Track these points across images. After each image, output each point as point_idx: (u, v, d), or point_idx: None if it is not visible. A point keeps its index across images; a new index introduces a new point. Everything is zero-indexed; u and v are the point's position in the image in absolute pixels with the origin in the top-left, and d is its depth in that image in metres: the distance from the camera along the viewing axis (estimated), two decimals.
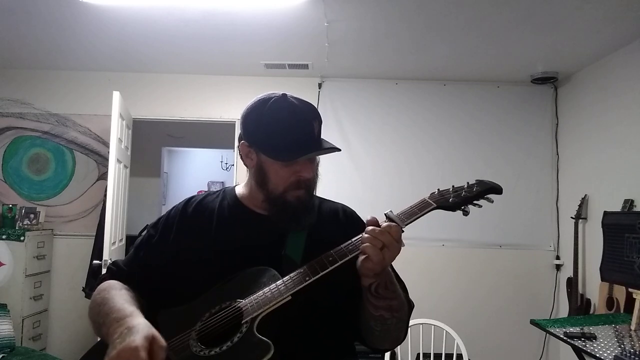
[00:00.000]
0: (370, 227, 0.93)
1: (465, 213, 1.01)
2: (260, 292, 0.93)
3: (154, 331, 0.84)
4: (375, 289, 0.95)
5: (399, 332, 1.07)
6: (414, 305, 1.10)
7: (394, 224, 0.94)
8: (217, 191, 1.20)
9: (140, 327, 0.84)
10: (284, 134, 1.02)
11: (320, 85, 3.93)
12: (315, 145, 1.04)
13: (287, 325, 0.92)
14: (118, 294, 1.00)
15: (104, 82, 3.90)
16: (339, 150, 1.04)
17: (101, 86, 3.87)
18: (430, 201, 1.01)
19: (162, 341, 0.82)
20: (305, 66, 3.66)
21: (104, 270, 2.33)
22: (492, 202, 1.03)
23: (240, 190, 1.16)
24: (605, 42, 3.01)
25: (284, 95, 1.05)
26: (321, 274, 0.92)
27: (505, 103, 3.93)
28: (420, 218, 0.99)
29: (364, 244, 0.92)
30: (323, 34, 2.97)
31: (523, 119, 3.91)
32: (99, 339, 1.04)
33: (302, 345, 0.97)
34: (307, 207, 1.08)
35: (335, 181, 3.72)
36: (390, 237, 0.91)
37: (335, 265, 0.93)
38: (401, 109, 3.94)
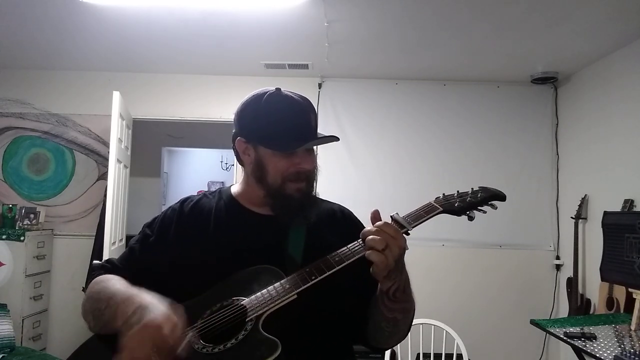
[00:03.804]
0: (374, 229, 0.91)
1: (470, 218, 1.03)
2: (265, 290, 0.92)
3: (169, 308, 0.85)
4: (393, 293, 0.95)
5: (405, 331, 1.08)
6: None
7: (393, 223, 0.94)
8: (213, 192, 1.19)
9: (155, 304, 0.85)
10: (284, 124, 1.02)
11: (320, 85, 3.93)
12: (314, 136, 1.05)
13: (290, 326, 0.92)
14: (118, 282, 1.00)
15: (104, 82, 3.90)
16: (338, 139, 1.05)
17: (101, 86, 3.87)
18: (437, 205, 1.02)
19: (177, 318, 0.84)
20: (305, 66, 3.66)
21: None
22: (496, 208, 1.05)
23: (236, 189, 1.16)
24: (605, 42, 3.01)
25: (279, 89, 1.06)
26: (327, 273, 0.92)
27: (505, 103, 3.93)
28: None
29: (366, 245, 0.91)
30: (323, 34, 2.97)
31: (523, 119, 3.91)
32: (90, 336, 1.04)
33: (304, 346, 0.97)
34: (310, 200, 1.08)
35: (336, 181, 3.72)
36: (389, 236, 0.90)
37: (342, 265, 0.93)
38: (401, 109, 3.94)
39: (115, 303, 0.91)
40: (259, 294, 0.92)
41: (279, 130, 1.02)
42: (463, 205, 1.02)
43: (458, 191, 1.06)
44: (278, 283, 0.93)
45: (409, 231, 0.95)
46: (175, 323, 0.83)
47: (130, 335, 0.81)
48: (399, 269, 0.92)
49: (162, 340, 0.80)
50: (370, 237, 0.90)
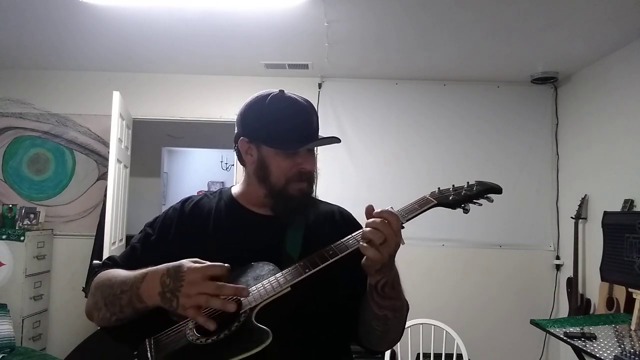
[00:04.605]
0: (370, 220, 0.90)
1: (466, 211, 1.02)
2: (259, 284, 0.93)
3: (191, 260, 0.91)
4: (382, 288, 0.95)
5: (397, 333, 1.07)
6: (408, 306, 1.10)
7: (393, 213, 0.92)
8: (214, 192, 1.20)
9: (176, 263, 0.91)
10: (287, 124, 1.04)
11: (320, 85, 3.93)
12: (316, 137, 1.06)
13: (285, 318, 0.92)
14: (124, 270, 1.01)
15: (104, 82, 3.90)
16: (339, 141, 1.06)
17: (101, 86, 3.87)
18: (431, 198, 1.02)
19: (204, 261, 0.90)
20: (305, 66, 3.66)
21: None
22: (492, 201, 1.04)
23: (236, 190, 1.17)
24: (605, 42, 3.01)
25: (282, 91, 1.08)
26: (321, 266, 0.92)
27: (505, 103, 3.93)
28: (421, 217, 0.99)
29: (364, 238, 0.90)
30: (323, 34, 2.97)
31: (523, 119, 3.91)
32: (90, 335, 1.05)
33: (298, 338, 0.97)
34: (310, 200, 1.09)
35: (335, 181, 3.73)
36: (390, 229, 0.88)
37: (336, 258, 0.93)
38: (401, 109, 3.94)
39: (133, 284, 0.94)
40: (253, 287, 0.93)
41: (282, 130, 1.03)
42: (458, 198, 1.01)
43: (453, 185, 1.06)
44: (273, 277, 0.93)
45: (403, 225, 0.94)
46: (207, 264, 0.89)
47: (186, 284, 0.86)
48: (389, 264, 0.92)
49: (214, 271, 0.87)
50: (370, 229, 0.89)
